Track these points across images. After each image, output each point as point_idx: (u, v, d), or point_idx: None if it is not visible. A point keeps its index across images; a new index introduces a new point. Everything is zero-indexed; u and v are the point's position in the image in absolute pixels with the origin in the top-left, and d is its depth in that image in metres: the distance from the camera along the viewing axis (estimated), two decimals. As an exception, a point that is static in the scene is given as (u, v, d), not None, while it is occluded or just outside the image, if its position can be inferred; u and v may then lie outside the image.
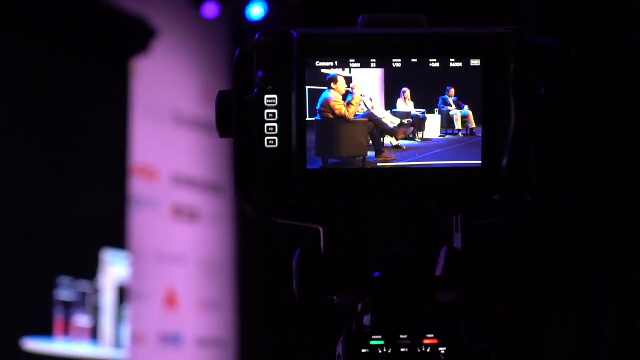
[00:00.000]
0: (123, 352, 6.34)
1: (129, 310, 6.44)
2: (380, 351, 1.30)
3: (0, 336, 5.76)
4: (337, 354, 1.33)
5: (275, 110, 1.34)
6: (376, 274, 1.36)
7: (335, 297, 1.37)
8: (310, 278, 1.35)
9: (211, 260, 7.25)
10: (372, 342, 1.30)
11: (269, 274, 7.33)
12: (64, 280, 6.09)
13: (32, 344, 5.89)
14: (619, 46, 5.36)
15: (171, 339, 6.86)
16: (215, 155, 7.37)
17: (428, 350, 1.30)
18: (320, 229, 1.37)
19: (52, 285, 6.03)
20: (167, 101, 7.13)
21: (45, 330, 5.98)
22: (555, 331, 5.81)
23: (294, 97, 1.34)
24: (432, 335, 1.31)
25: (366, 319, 1.35)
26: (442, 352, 1.30)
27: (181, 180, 7.12)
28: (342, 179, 1.35)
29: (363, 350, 1.30)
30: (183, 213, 7.08)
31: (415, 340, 1.30)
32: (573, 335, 5.80)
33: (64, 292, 6.08)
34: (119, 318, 6.38)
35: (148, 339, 6.70)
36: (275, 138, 1.34)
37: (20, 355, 5.81)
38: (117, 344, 6.34)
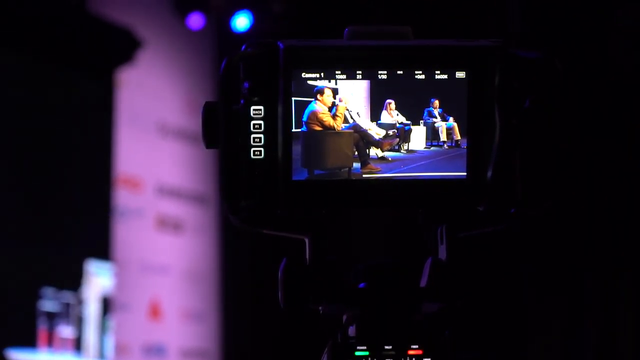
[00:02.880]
0: (107, 363, 6.33)
1: (113, 321, 6.42)
2: (364, 365, 1.31)
3: (-16, 347, 5.75)
4: (321, 362, 1.33)
5: (261, 122, 1.35)
6: (361, 284, 1.37)
7: (320, 307, 1.37)
8: (295, 288, 1.35)
9: (195, 271, 7.24)
10: (357, 353, 1.31)
11: (253, 285, 7.32)
12: (48, 291, 6.07)
13: (16, 355, 5.87)
14: (605, 56, 5.39)
15: (155, 350, 6.85)
16: (200, 167, 7.37)
17: (412, 360, 1.31)
18: (306, 240, 1.38)
19: (36, 296, 6.01)
20: (152, 112, 7.13)
21: (29, 341, 5.96)
22: (538, 339, 5.82)
23: (280, 109, 1.34)
24: (417, 346, 1.31)
25: (351, 330, 1.35)
26: (425, 365, 1.31)
27: (166, 191, 7.12)
28: (328, 190, 1.36)
29: (347, 365, 1.31)
30: (168, 224, 7.08)
31: (400, 351, 1.30)
32: (556, 343, 5.82)
33: (48, 303, 6.07)
34: (103, 329, 6.37)
35: (132, 350, 6.68)
36: (262, 149, 1.34)
37: (4, 366, 5.79)
38: (101, 355, 6.33)
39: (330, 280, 1.35)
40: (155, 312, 6.89)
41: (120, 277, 6.59)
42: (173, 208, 7.14)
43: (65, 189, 6.31)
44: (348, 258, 1.39)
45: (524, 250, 5.49)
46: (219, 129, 1.34)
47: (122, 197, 6.72)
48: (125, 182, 6.80)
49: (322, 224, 1.38)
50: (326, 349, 1.32)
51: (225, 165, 1.34)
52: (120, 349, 6.54)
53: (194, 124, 7.35)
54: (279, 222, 1.38)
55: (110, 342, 6.39)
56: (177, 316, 7.06)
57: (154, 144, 7.10)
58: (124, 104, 6.80)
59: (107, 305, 6.40)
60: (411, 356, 1.31)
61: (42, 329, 6.03)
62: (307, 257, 1.37)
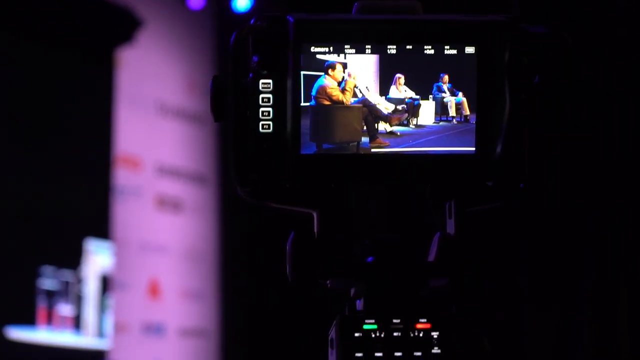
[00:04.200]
0: (106, 342, 6.34)
1: (112, 300, 6.43)
2: (373, 335, 1.31)
3: (-17, 325, 5.76)
4: (330, 338, 1.33)
5: (270, 95, 1.35)
6: (369, 259, 1.37)
7: (328, 281, 1.37)
8: (303, 261, 1.35)
9: (195, 250, 7.24)
10: (365, 327, 1.31)
11: (252, 265, 7.33)
12: (48, 269, 6.08)
13: (16, 333, 5.88)
14: (603, 40, 5.38)
15: (154, 329, 6.85)
16: (200, 146, 7.36)
17: (421, 335, 1.31)
18: (314, 214, 1.38)
19: (35, 275, 6.02)
20: (152, 92, 7.12)
21: (28, 319, 5.97)
22: (535, 319, 5.84)
23: (289, 83, 1.34)
24: (425, 320, 1.31)
25: (359, 304, 1.35)
26: (435, 336, 1.31)
27: (165, 171, 7.11)
28: (336, 165, 1.36)
29: (356, 335, 1.31)
30: (167, 203, 7.08)
31: (408, 324, 1.31)
32: (554, 320, 5.83)
33: (48, 281, 6.07)
34: (102, 307, 6.38)
35: (131, 329, 6.69)
36: (270, 123, 1.34)
37: (3, 344, 5.80)
38: (100, 333, 6.34)
39: (338, 254, 1.36)
40: (154, 291, 6.89)
41: (120, 256, 6.59)
42: (172, 187, 7.13)
43: (65, 167, 6.31)
44: (356, 233, 1.39)
45: (523, 229, 5.49)
46: (228, 102, 1.34)
47: (122, 177, 6.72)
48: (125, 161, 6.79)
49: (330, 198, 1.38)
50: (334, 323, 1.32)
51: (234, 138, 1.34)
52: (119, 327, 6.55)
53: (194, 103, 7.34)
54: (287, 196, 1.38)
55: (109, 321, 6.39)
56: (176, 295, 7.07)
57: (153, 123, 7.09)
58: (123, 83, 6.79)
59: (106, 283, 6.41)
60: (419, 330, 1.31)
61: (41, 307, 6.04)
62: (315, 231, 1.37)
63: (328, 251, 1.35)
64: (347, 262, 1.36)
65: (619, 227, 5.49)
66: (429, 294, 1.35)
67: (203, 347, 7.20)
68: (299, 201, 1.38)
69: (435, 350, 1.31)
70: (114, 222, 6.52)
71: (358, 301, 1.35)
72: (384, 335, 1.31)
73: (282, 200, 1.38)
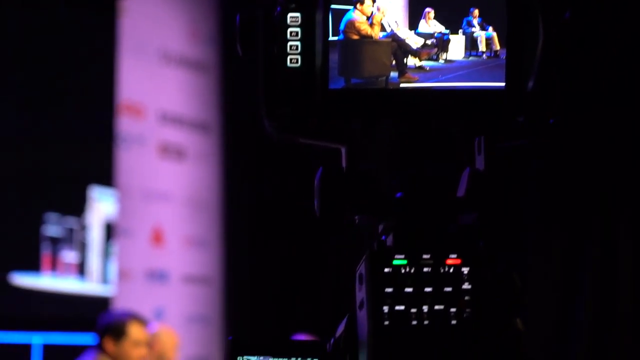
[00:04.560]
0: (110, 289, 6.35)
1: (116, 247, 6.44)
2: (403, 271, 1.30)
3: (-11, 271, 5.77)
4: (358, 273, 1.32)
5: (298, 29, 1.33)
6: (398, 194, 1.35)
7: (356, 217, 1.36)
8: (332, 196, 1.34)
9: (198, 198, 7.24)
10: (395, 262, 1.30)
11: (255, 212, 7.34)
12: (52, 216, 6.08)
13: (20, 279, 5.89)
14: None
15: (158, 276, 6.87)
16: (203, 94, 7.34)
17: (451, 270, 1.29)
18: (342, 149, 1.37)
19: (40, 222, 6.02)
20: (156, 40, 7.08)
21: (33, 265, 5.98)
22: (538, 270, 5.85)
23: (318, 16, 1.33)
24: (455, 256, 1.30)
25: (388, 240, 1.34)
26: (465, 272, 1.30)
27: (168, 119, 7.09)
28: (365, 99, 1.34)
29: (386, 270, 1.29)
30: (170, 151, 7.06)
31: (438, 260, 1.29)
32: (555, 272, 5.84)
33: (52, 228, 6.08)
34: (106, 254, 6.39)
35: (135, 276, 6.70)
36: (298, 57, 1.33)
37: (9, 290, 5.81)
38: (104, 280, 6.35)
39: (367, 190, 1.34)
40: (157, 238, 6.90)
41: (123, 204, 6.59)
42: (176, 135, 7.12)
43: (69, 115, 6.29)
44: (384, 169, 1.38)
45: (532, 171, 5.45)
46: (257, 35, 1.32)
47: (125, 124, 6.70)
48: (128, 109, 6.77)
49: (358, 134, 1.36)
50: (364, 258, 1.31)
51: (263, 73, 1.33)
52: (123, 274, 6.56)
53: (197, 51, 7.31)
54: (316, 131, 1.36)
55: (113, 268, 6.41)
56: (180, 243, 7.08)
57: (156, 71, 7.06)
58: (127, 32, 6.75)
59: (110, 231, 6.42)
60: (449, 265, 1.30)
61: (45, 253, 6.05)
62: (343, 166, 1.36)
63: (356, 187, 1.34)
64: (376, 198, 1.35)
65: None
66: (458, 230, 1.34)
67: (206, 294, 7.22)
68: (327, 136, 1.37)
69: (466, 285, 1.30)
70: (118, 169, 6.52)
71: (387, 238, 1.34)
72: (414, 270, 1.29)
73: (310, 136, 1.36)
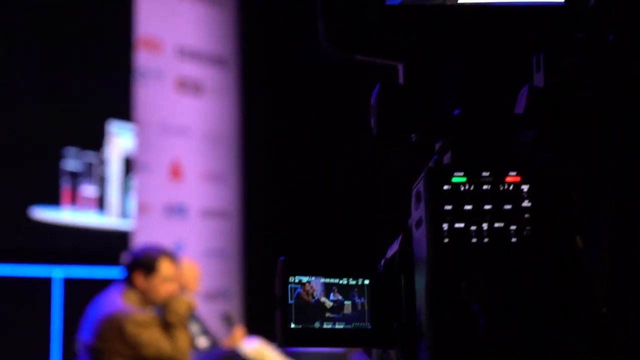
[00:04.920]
0: (129, 222, 6.37)
1: (135, 182, 6.45)
2: (462, 188, 1.28)
3: (9, 205, 5.78)
4: (416, 191, 1.31)
5: None
6: (456, 111, 1.34)
7: (413, 135, 1.34)
8: (389, 113, 1.32)
9: (215, 133, 7.24)
10: (454, 179, 1.28)
11: (272, 147, 7.34)
12: (71, 151, 6.08)
13: (40, 213, 5.90)
14: None
15: (176, 210, 6.89)
16: (221, 29, 7.30)
17: (510, 188, 1.28)
18: (400, 66, 1.35)
19: (59, 156, 6.03)
20: (171, -28, 7.05)
21: (52, 199, 5.99)
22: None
23: None
24: (514, 173, 1.28)
25: (445, 159, 1.33)
26: (525, 190, 1.28)
27: (186, 53, 7.07)
28: (422, 15, 1.32)
29: (445, 188, 1.28)
30: (188, 86, 7.05)
31: (498, 177, 1.28)
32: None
33: (71, 162, 6.08)
34: (125, 189, 6.40)
35: (153, 210, 6.72)
36: None
37: (29, 223, 5.83)
38: (124, 213, 6.37)
39: (425, 107, 1.33)
40: (176, 172, 6.91)
41: (142, 138, 6.59)
42: (193, 70, 7.10)
43: (87, 50, 6.27)
44: (441, 86, 1.36)
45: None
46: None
47: (143, 59, 6.68)
48: (146, 43, 6.74)
49: (416, 50, 1.35)
50: (422, 176, 1.29)
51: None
52: (142, 208, 6.58)
53: (214, -16, 7.27)
54: (373, 48, 1.34)
55: (132, 202, 6.42)
56: (198, 177, 7.09)
57: (174, 6, 7.02)
58: (143, -36, 6.72)
59: (128, 165, 6.42)
60: (509, 183, 1.28)
61: (65, 187, 6.06)
62: (401, 83, 1.34)
63: (414, 104, 1.32)
64: (434, 115, 1.33)
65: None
66: (517, 147, 1.32)
67: (224, 228, 7.25)
68: (384, 53, 1.35)
69: (526, 203, 1.28)
70: (136, 104, 6.51)
71: (445, 156, 1.33)
72: (473, 188, 1.28)
73: (368, 52, 1.34)
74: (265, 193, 7.32)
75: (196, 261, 5.65)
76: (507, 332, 1.26)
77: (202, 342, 4.54)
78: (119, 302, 3.59)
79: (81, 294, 5.97)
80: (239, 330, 4.38)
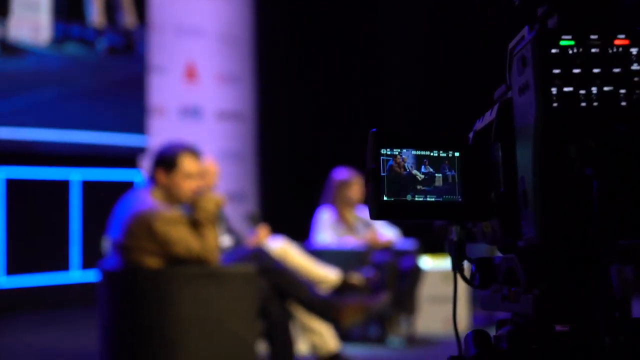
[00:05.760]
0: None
1: (149, 84, 6.40)
2: (570, 52, 1.25)
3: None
4: (519, 56, 1.28)
5: None
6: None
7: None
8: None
9: (230, 34, 7.16)
10: (562, 43, 1.25)
11: (286, 50, 7.27)
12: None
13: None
14: None
15: (191, 112, 6.85)
16: None
17: (620, 50, 1.25)
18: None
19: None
20: None
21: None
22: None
23: None
24: (623, 36, 1.25)
25: (550, 22, 1.29)
26: (634, 53, 1.25)
27: (198, -47, 6.98)
28: None
29: (552, 51, 1.25)
30: (201, -14, 6.98)
31: (606, 40, 1.25)
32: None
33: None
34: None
35: (169, 112, 6.69)
36: None
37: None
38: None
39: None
40: (191, 74, 6.85)
41: (156, 40, 6.53)
42: (207, -30, 7.02)
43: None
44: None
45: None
46: None
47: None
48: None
49: None
50: (529, 39, 1.26)
51: None
52: (157, 111, 6.54)
53: None
54: None
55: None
56: (213, 79, 7.04)
57: None
58: None
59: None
60: (618, 46, 1.25)
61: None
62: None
63: None
64: None
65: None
66: (625, 9, 1.29)
67: (239, 129, 7.21)
68: None
69: (635, 67, 1.25)
70: (150, 6, 6.44)
71: (549, 20, 1.29)
72: (582, 51, 1.25)
73: None
74: (281, 95, 7.28)
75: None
76: (621, 197, 1.24)
77: (226, 241, 4.53)
78: (148, 200, 3.57)
79: (97, 195, 6.00)
80: (263, 229, 4.36)
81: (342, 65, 7.29)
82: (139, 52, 6.32)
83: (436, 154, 1.40)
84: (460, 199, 1.41)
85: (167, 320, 3.29)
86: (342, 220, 4.99)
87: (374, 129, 1.38)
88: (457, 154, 1.41)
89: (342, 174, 5.05)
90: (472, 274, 1.50)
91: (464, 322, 5.17)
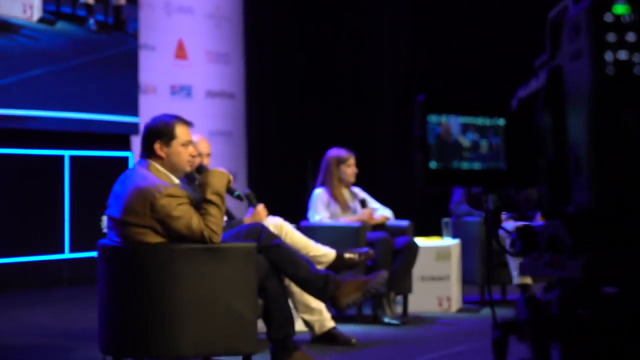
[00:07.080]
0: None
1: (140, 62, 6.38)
2: (624, 19, 1.26)
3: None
4: (572, 22, 1.29)
5: None
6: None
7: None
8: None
9: (220, 13, 7.14)
10: (616, 10, 1.26)
11: (277, 28, 7.26)
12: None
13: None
14: None
15: (180, 89, 6.83)
16: None
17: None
18: None
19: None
20: None
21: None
22: None
23: None
24: (678, 3, 1.26)
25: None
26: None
27: None
28: None
29: (607, 18, 1.26)
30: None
31: (661, 7, 1.26)
32: None
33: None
34: None
35: (159, 91, 6.67)
36: None
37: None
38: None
39: None
40: (181, 53, 6.83)
41: (146, 19, 6.50)
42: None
43: None
44: None
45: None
46: None
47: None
48: None
49: None
50: (583, 9, 1.27)
51: None
52: (148, 89, 6.52)
53: None
54: None
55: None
56: (203, 58, 7.01)
57: None
58: None
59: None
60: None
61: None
62: None
63: None
64: None
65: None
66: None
67: (229, 107, 7.20)
68: None
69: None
70: (139, -18, 6.42)
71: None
72: (637, 18, 1.26)
73: None
74: (271, 74, 7.27)
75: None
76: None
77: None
78: (147, 176, 3.55)
79: (88, 173, 5.98)
80: (261, 209, 4.36)
81: (332, 44, 7.28)
82: (129, 29, 6.29)
83: (481, 122, 1.41)
84: (504, 167, 1.42)
85: (166, 297, 3.28)
86: (337, 199, 4.99)
87: (421, 95, 1.39)
88: (501, 122, 1.42)
89: (337, 152, 5.05)
90: (513, 241, 1.51)
91: (458, 301, 5.20)
